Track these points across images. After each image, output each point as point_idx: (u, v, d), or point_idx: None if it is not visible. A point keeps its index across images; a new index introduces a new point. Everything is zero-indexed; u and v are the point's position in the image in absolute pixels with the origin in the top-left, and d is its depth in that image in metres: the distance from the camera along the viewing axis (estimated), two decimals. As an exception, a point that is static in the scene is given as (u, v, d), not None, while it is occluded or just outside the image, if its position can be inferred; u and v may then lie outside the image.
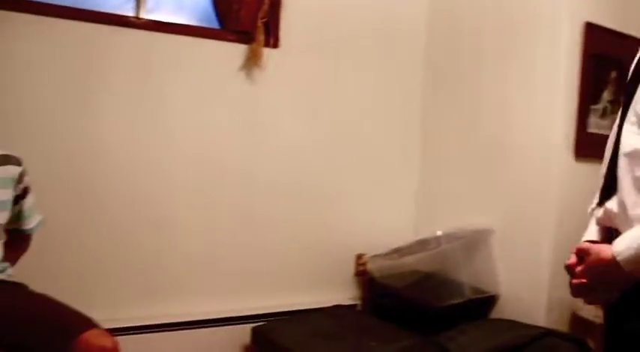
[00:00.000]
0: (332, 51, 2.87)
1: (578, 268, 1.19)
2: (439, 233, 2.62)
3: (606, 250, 1.12)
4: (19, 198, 1.90)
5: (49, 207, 2.08)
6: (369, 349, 2.31)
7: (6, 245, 1.89)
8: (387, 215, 3.05)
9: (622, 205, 1.17)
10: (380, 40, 2.99)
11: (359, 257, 2.98)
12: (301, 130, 2.83)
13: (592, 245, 1.19)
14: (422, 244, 2.67)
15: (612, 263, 1.10)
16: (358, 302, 2.98)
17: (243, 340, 2.60)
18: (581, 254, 1.18)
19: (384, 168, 3.05)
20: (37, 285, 1.87)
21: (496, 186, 2.70)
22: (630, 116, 1.19)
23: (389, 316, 2.67)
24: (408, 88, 3.09)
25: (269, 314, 2.67)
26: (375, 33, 2.97)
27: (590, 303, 1.23)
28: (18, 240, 1.98)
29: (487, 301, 2.64)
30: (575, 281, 1.20)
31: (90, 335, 1.63)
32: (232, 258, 2.71)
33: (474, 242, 2.64)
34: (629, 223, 1.13)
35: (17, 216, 1.92)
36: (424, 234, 2.78)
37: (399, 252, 2.74)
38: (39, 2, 2.30)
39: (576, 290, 1.20)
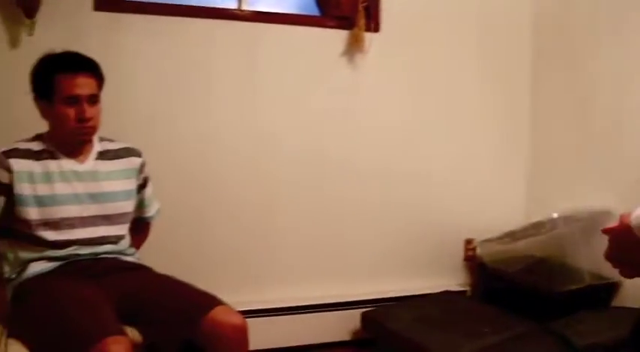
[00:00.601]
0: (433, 32, 2.80)
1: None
2: (555, 215, 2.48)
3: (630, 215, 1.00)
4: (141, 187, 2.02)
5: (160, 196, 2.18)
6: (482, 335, 2.25)
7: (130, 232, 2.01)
8: (496, 198, 2.95)
9: None
10: (483, 17, 2.87)
11: (468, 242, 2.91)
12: (405, 114, 2.79)
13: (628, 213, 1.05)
14: (536, 227, 2.55)
15: (629, 229, 0.98)
16: (467, 288, 2.92)
17: (354, 325, 2.63)
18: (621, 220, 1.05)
19: (492, 149, 2.95)
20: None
21: (615, 165, 2.52)
22: None
23: (500, 302, 2.59)
24: (515, 65, 2.95)
25: (378, 299, 2.68)
26: (477, 10, 2.86)
27: (625, 277, 1.09)
28: (140, 227, 2.09)
29: (608, 288, 2.49)
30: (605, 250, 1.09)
31: (218, 312, 1.67)
32: (341, 245, 2.74)
33: (592, 224, 2.48)
34: None
35: (139, 205, 2.04)
36: (537, 216, 2.65)
37: (511, 235, 2.64)
38: (151, 3, 2.42)
39: (606, 260, 1.09)
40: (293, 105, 2.62)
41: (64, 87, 1.74)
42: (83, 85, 1.75)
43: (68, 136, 1.80)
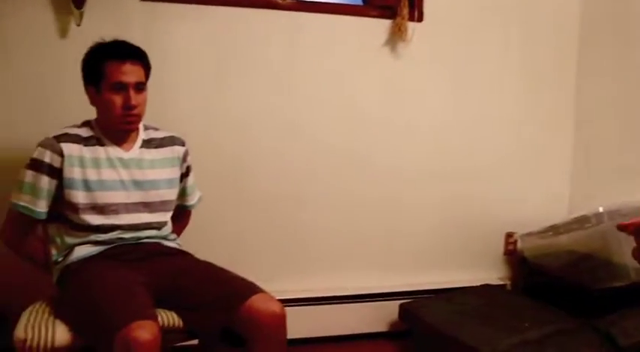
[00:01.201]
0: (477, 22, 2.75)
1: None
2: (601, 209, 2.40)
3: None
4: (184, 176, 2.05)
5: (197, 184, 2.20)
6: (522, 330, 2.22)
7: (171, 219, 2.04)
8: (538, 191, 2.90)
9: None
10: (528, 6, 2.81)
11: (509, 235, 2.87)
12: (447, 105, 2.76)
13: None
14: (580, 222, 2.47)
15: None
16: (507, 282, 2.88)
17: (392, 316, 2.62)
18: None
19: (536, 141, 2.89)
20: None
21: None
22: None
23: (541, 297, 2.55)
24: (561, 56, 2.88)
25: (417, 291, 2.67)
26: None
27: None
28: (181, 214, 2.13)
29: (654, 286, 2.42)
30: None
31: (258, 299, 1.68)
32: (382, 236, 2.73)
33: (640, 220, 2.41)
34: None
35: (182, 193, 2.07)
36: (581, 210, 2.59)
37: (553, 229, 2.58)
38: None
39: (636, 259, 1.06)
40: (334, 96, 2.61)
41: (112, 73, 1.77)
42: (130, 73, 1.78)
43: (114, 123, 1.84)
